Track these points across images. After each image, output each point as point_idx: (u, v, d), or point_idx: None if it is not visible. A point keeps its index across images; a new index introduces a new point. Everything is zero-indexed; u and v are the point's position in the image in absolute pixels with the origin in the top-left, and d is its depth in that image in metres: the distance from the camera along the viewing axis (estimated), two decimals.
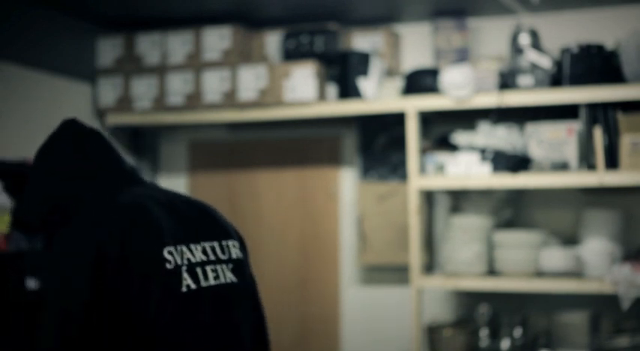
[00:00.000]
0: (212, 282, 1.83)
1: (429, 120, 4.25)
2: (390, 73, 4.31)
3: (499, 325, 4.03)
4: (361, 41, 4.36)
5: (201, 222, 1.91)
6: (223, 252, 1.90)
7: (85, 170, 1.87)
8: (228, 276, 1.88)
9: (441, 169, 3.93)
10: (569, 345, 3.86)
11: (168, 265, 1.76)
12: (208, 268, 1.84)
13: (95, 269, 1.69)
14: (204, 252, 1.85)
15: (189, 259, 1.80)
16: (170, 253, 1.77)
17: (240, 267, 1.93)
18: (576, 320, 3.88)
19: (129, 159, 2.00)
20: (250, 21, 4.47)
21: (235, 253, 1.94)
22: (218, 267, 1.86)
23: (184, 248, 1.81)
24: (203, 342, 1.78)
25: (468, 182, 3.87)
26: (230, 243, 1.94)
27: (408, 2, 4.19)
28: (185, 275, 1.78)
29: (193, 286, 1.78)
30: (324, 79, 4.21)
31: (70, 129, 1.94)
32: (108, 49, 4.52)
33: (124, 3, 4.25)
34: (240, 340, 1.87)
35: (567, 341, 3.87)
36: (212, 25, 4.37)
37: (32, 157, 1.95)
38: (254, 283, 2.02)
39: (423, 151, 4.02)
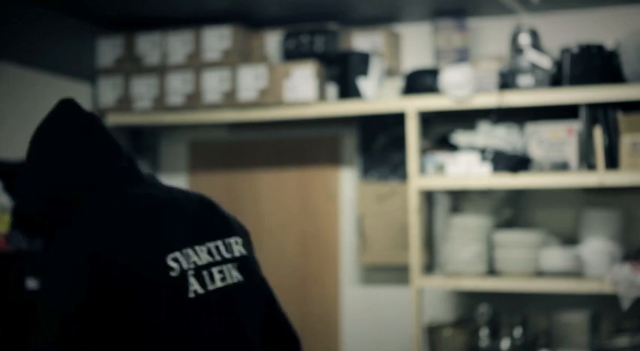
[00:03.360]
0: (219, 284, 1.81)
1: (429, 120, 4.25)
2: (390, 73, 4.31)
3: (499, 325, 4.03)
4: (361, 41, 4.36)
5: (203, 220, 1.88)
6: (227, 250, 1.88)
7: (85, 161, 1.80)
8: (234, 275, 1.86)
9: (441, 169, 3.92)
10: (569, 345, 3.86)
11: (172, 273, 1.73)
12: (215, 270, 1.81)
13: (92, 279, 1.65)
14: (210, 253, 1.83)
15: (195, 262, 1.78)
16: (174, 259, 1.75)
17: (245, 264, 1.91)
18: (576, 320, 3.88)
19: (126, 149, 1.92)
20: (250, 21, 4.47)
21: (239, 250, 1.91)
22: (224, 267, 1.84)
23: (190, 251, 1.78)
24: (210, 346, 1.77)
25: (468, 182, 3.87)
26: (232, 240, 1.91)
27: (408, 2, 4.19)
28: (192, 280, 1.75)
29: (201, 290, 1.76)
30: (324, 79, 4.21)
31: (69, 111, 1.87)
32: (108, 49, 4.52)
33: (124, 3, 4.25)
34: (246, 340, 1.86)
35: (567, 341, 3.87)
36: (212, 25, 4.37)
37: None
38: (262, 280, 2.00)
39: (423, 151, 4.02)
